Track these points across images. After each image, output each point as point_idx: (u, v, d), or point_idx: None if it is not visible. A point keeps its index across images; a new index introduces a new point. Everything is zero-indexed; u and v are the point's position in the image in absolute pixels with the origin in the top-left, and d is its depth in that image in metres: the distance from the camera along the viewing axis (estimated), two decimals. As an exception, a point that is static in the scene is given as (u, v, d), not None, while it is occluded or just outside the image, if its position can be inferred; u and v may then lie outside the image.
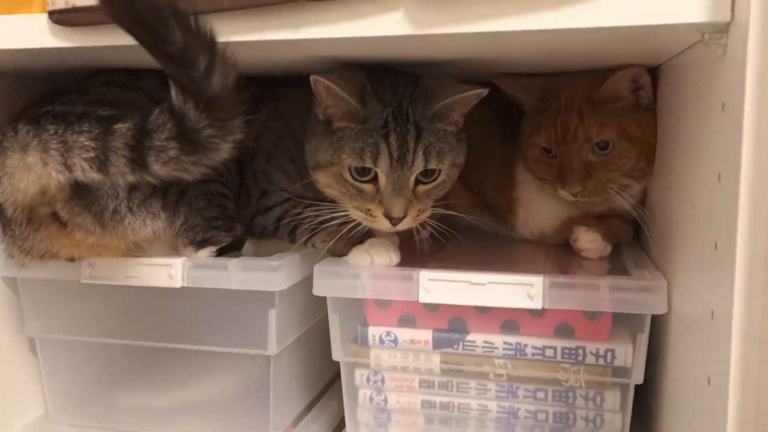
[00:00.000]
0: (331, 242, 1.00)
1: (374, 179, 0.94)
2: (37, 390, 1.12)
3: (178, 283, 0.96)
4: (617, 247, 1.08)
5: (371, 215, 0.95)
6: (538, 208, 1.13)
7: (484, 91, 0.94)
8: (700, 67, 0.75)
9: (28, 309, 1.07)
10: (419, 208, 0.96)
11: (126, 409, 1.07)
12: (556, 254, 1.06)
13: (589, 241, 1.03)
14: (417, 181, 0.95)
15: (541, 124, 1.07)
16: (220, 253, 1.01)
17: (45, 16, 0.76)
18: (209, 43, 0.70)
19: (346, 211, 0.97)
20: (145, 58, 0.80)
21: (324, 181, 0.98)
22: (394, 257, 0.96)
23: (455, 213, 1.02)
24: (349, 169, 0.94)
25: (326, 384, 1.20)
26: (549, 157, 1.07)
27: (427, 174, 0.95)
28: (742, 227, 0.59)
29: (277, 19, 0.70)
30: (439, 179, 0.97)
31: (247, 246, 1.07)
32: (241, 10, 0.69)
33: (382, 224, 0.95)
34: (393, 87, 0.96)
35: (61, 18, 0.74)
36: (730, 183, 0.61)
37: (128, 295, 1.02)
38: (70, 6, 0.73)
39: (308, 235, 1.03)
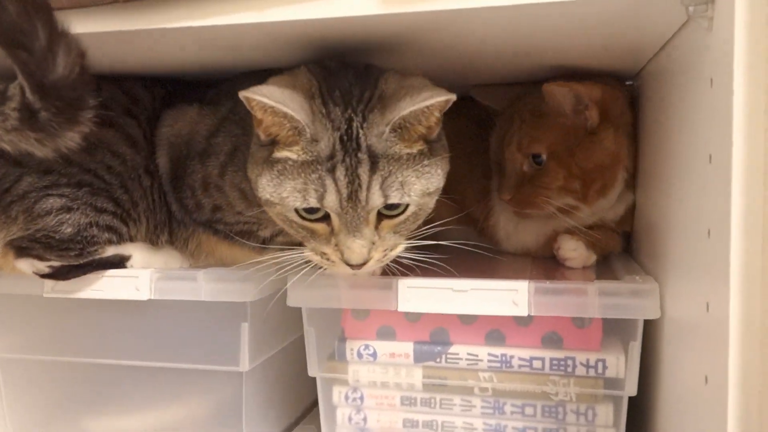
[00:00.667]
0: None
1: (326, 217, 0.79)
2: (-2, 414, 1.06)
3: (145, 295, 0.91)
4: (607, 259, 1.04)
5: (328, 260, 0.80)
6: (518, 221, 1.08)
7: (451, 97, 0.76)
8: (685, 51, 0.72)
9: (-12, 327, 1.02)
10: (386, 248, 0.80)
11: (92, 433, 1.01)
12: (543, 264, 1.01)
13: (572, 249, 0.98)
14: (381, 216, 0.79)
15: (496, 128, 1.09)
16: (61, 272, 0.91)
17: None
18: (48, 23, 0.66)
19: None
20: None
21: (274, 217, 0.84)
22: (378, 268, 0.89)
23: (441, 242, 0.87)
24: (295, 209, 0.79)
25: (307, 408, 1.14)
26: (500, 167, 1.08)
27: (393, 207, 0.79)
28: (735, 208, 0.55)
29: (243, 2, 0.66)
30: (408, 212, 0.80)
31: (178, 257, 1.00)
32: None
33: (342, 269, 0.80)
34: (346, 97, 0.79)
35: None
36: (721, 162, 0.57)
37: (94, 311, 0.97)
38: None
39: (281, 246, 0.94)
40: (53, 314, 0.98)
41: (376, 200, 0.77)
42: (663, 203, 0.85)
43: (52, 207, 0.88)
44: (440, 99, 0.76)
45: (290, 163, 0.78)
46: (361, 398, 0.93)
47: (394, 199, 0.77)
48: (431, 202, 0.83)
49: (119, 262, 0.93)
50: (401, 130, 0.77)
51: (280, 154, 0.78)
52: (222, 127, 0.94)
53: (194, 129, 0.96)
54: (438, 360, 0.89)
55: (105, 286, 0.92)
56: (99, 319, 0.97)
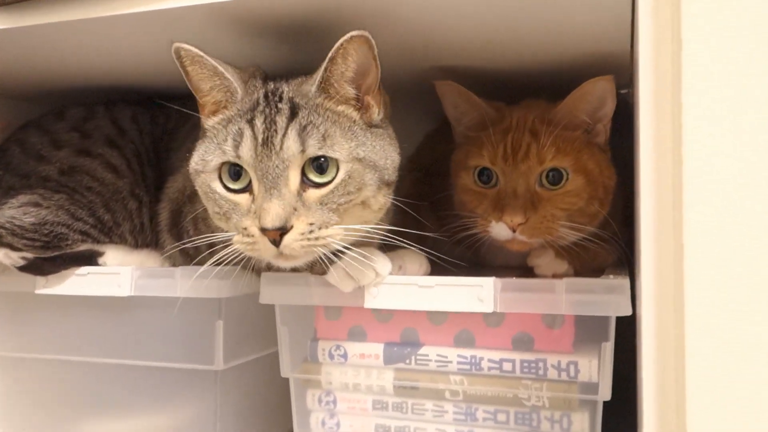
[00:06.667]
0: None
1: (249, 187, 0.76)
2: None
3: (126, 291, 0.93)
4: (600, 272, 0.99)
5: (248, 234, 0.74)
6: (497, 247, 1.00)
7: (362, 33, 0.73)
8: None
9: (-12, 325, 1.06)
10: (312, 222, 0.74)
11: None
12: (521, 271, 0.97)
13: (537, 257, 0.93)
14: (306, 185, 0.75)
15: (484, 142, 0.94)
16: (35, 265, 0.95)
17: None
18: None
19: None
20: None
21: (202, 197, 0.80)
22: (382, 269, 0.82)
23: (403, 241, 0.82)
24: (219, 174, 0.76)
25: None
26: (483, 186, 0.95)
27: (320, 168, 0.75)
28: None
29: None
30: (338, 179, 0.75)
31: (156, 257, 1.01)
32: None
33: (263, 246, 0.73)
34: (286, 77, 0.81)
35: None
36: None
37: (80, 310, 0.99)
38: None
39: None
40: (43, 313, 1.01)
41: (293, 146, 0.74)
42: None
43: (21, 201, 0.94)
44: (351, 34, 0.73)
45: (219, 124, 0.78)
46: (334, 402, 0.91)
47: (312, 148, 0.74)
48: (368, 178, 0.77)
49: (90, 257, 0.95)
50: (327, 86, 0.77)
51: (214, 119, 0.79)
52: None
53: (186, 178, 0.96)
54: (408, 361, 0.87)
55: (89, 282, 0.95)
56: (85, 318, 1.00)
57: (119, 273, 0.93)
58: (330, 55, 0.75)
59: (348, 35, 0.73)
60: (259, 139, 0.74)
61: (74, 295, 0.95)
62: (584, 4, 0.73)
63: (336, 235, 0.76)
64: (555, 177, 0.92)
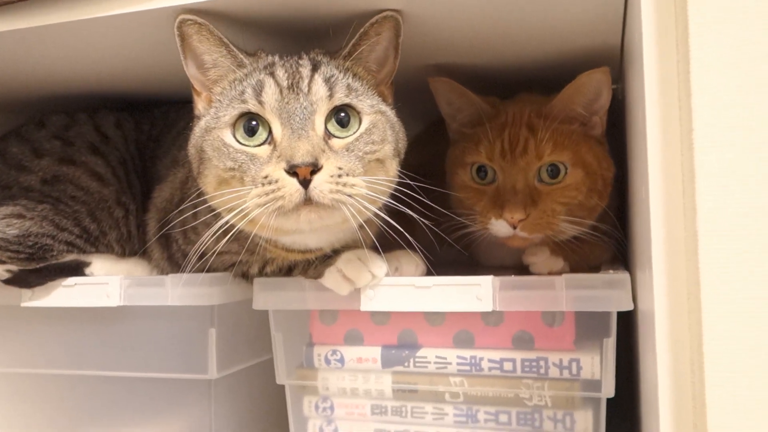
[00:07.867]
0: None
1: (268, 140, 0.72)
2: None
3: (115, 301, 0.91)
4: (596, 267, 0.98)
5: (270, 182, 0.69)
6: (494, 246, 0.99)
7: (393, 14, 0.76)
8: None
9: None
10: (340, 166, 0.71)
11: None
12: (516, 270, 0.95)
13: (532, 254, 0.91)
14: (330, 134, 0.73)
15: (480, 139, 0.93)
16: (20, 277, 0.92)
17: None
18: None
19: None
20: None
21: (212, 178, 0.75)
22: (378, 270, 0.82)
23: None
24: (233, 128, 0.73)
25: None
26: (481, 183, 0.94)
27: (341, 123, 0.74)
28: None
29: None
30: (362, 128, 0.74)
31: (144, 266, 0.99)
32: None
33: (289, 190, 0.68)
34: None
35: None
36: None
37: (69, 323, 0.97)
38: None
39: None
40: (30, 327, 0.99)
41: (321, 90, 0.73)
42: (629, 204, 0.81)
43: (3, 212, 0.91)
44: (385, 13, 0.75)
45: (229, 85, 0.76)
46: (332, 408, 0.89)
47: (340, 94, 0.74)
48: (389, 134, 0.77)
49: (77, 267, 0.93)
50: (351, 56, 0.77)
51: (218, 87, 0.77)
52: (189, 172, 0.90)
53: (173, 187, 0.96)
54: (406, 364, 0.85)
55: (77, 293, 0.92)
56: (73, 331, 0.97)
57: (107, 283, 0.91)
58: (362, 30, 0.76)
59: (382, 14, 0.75)
60: (284, 85, 0.73)
61: (62, 307, 0.92)
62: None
63: (361, 186, 0.72)
64: (554, 171, 0.90)
